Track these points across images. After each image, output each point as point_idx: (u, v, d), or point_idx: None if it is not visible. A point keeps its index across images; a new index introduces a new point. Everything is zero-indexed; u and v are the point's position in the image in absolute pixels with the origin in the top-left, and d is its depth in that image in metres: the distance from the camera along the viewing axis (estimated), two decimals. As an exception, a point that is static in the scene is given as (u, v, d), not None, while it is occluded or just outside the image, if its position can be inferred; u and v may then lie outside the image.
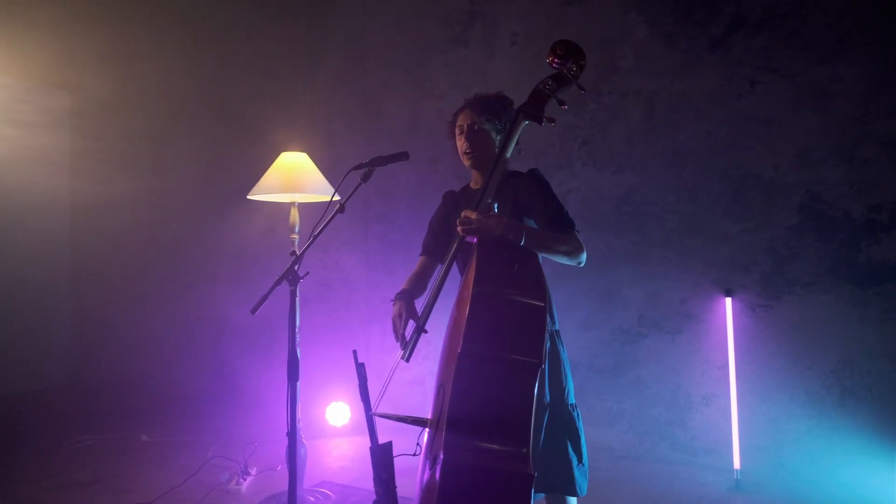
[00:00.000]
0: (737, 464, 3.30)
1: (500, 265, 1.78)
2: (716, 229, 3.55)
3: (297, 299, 3.02)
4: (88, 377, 5.63)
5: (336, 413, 4.12)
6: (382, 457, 1.95)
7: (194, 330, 5.12)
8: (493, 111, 2.06)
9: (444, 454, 1.60)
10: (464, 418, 1.63)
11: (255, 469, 3.43)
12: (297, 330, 3.04)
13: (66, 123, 5.70)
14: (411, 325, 2.03)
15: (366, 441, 2.01)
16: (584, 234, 3.76)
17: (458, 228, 1.84)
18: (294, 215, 2.99)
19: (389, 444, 1.96)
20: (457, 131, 2.12)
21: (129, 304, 5.45)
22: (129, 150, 5.42)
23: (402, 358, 2.00)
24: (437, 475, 1.60)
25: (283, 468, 3.41)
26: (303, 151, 3.18)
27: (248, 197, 3.08)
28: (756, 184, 3.46)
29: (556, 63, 1.92)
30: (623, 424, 3.75)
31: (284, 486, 3.02)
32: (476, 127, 2.05)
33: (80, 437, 4.07)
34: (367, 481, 2.33)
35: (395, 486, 1.94)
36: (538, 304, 1.71)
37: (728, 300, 3.46)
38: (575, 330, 3.85)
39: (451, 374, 1.67)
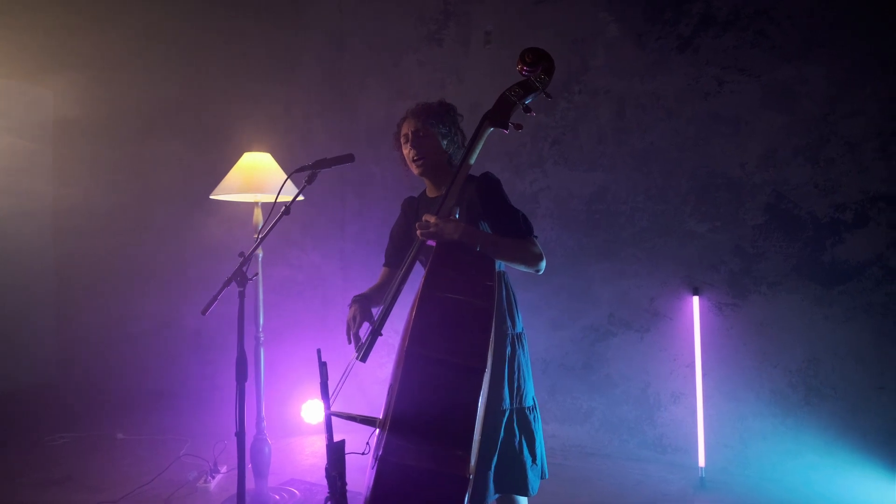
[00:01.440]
0: (702, 462, 3.32)
1: (453, 269, 1.79)
2: (684, 228, 3.56)
3: (261, 300, 3.08)
4: (68, 376, 5.65)
5: (311, 411, 4.14)
6: (333, 454, 1.96)
7: (173, 328, 5.14)
8: (435, 115, 2.04)
9: (382, 452, 1.62)
10: (406, 419, 1.65)
11: (224, 467, 3.45)
12: (260, 329, 3.09)
13: (48, 128, 5.70)
14: (367, 327, 2.04)
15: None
16: (556, 233, 3.86)
17: (418, 232, 1.84)
18: (257, 215, 3.01)
19: (342, 442, 1.97)
20: (402, 140, 2.11)
21: (109, 304, 5.47)
22: (109, 154, 5.43)
23: (357, 359, 2.02)
24: (374, 473, 1.63)
25: (251, 466, 3.43)
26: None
27: (211, 197, 3.10)
28: (723, 183, 3.47)
29: (525, 70, 1.90)
30: (594, 422, 3.77)
31: (251, 484, 3.04)
32: (421, 133, 2.03)
33: (58, 435, 4.10)
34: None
35: (344, 483, 1.96)
36: (485, 309, 1.72)
37: (696, 299, 3.47)
38: (546, 328, 3.87)
39: (399, 374, 1.69)
